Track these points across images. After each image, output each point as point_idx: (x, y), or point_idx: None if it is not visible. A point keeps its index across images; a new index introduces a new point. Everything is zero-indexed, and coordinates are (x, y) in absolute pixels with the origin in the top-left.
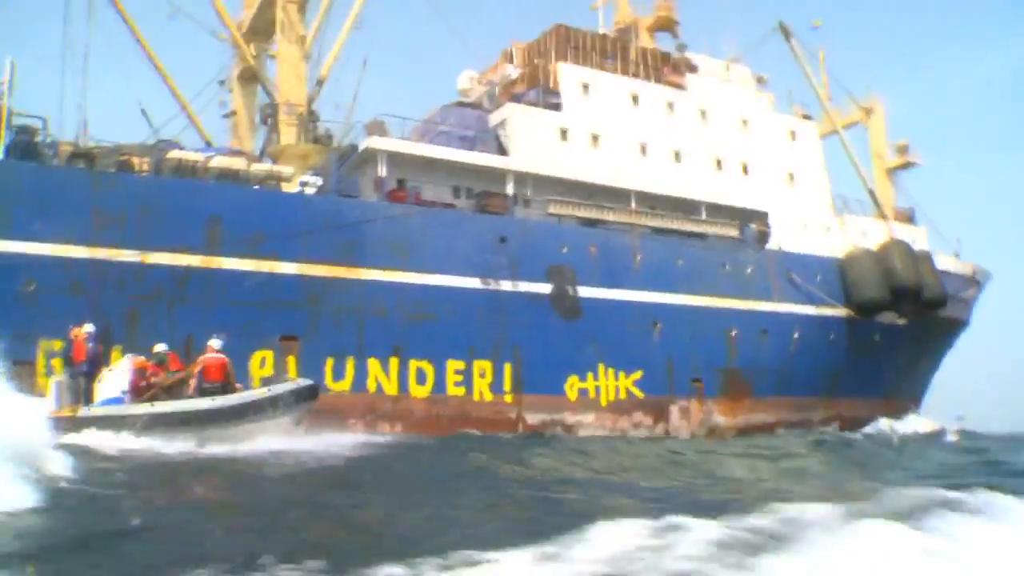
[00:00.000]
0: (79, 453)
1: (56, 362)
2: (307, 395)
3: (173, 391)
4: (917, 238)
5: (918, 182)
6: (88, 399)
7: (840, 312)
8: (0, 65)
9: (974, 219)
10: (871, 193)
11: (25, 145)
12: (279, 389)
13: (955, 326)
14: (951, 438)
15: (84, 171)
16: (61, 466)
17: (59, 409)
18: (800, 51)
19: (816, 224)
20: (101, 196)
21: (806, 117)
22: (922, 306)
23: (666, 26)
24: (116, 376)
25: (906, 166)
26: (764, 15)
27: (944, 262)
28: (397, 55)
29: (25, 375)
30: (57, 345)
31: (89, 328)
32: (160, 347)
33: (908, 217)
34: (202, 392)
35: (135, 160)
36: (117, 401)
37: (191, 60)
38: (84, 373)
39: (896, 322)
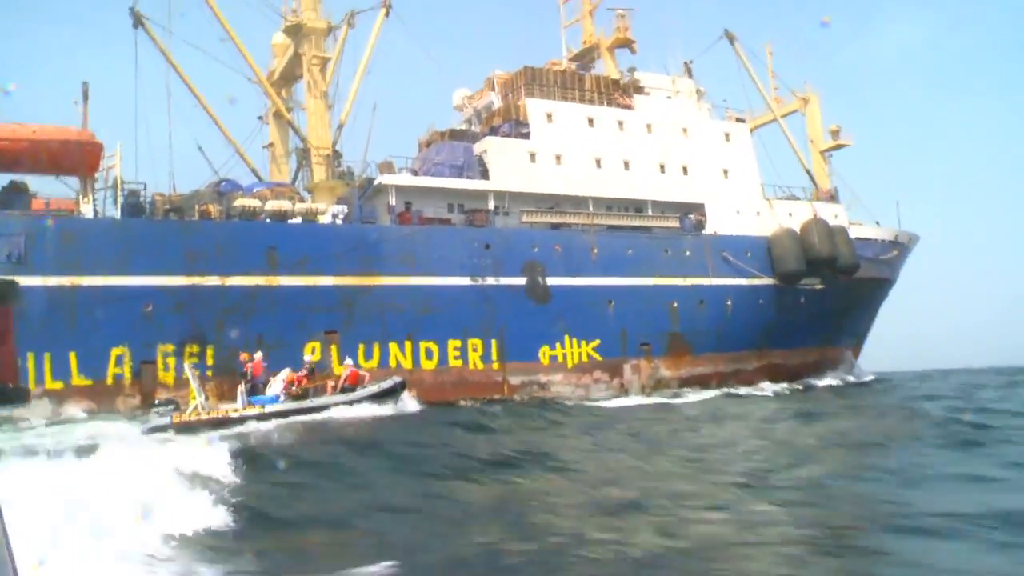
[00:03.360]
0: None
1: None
2: (400, 388)
3: (315, 391)
4: (839, 213)
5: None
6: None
7: (767, 282)
8: (112, 147)
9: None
10: (808, 173)
11: (133, 205)
12: (385, 385)
13: (879, 284)
14: None
15: (177, 222)
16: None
17: (243, 407)
18: (743, 53)
19: (747, 210)
20: (190, 239)
21: (739, 120)
22: (837, 272)
23: (624, 44)
24: (277, 384)
25: (838, 147)
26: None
27: (865, 231)
28: (399, 82)
29: (150, 371)
30: (170, 348)
31: (259, 355)
32: (308, 358)
33: (832, 195)
34: (341, 390)
35: (211, 208)
36: (273, 400)
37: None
38: (261, 383)
39: (815, 287)
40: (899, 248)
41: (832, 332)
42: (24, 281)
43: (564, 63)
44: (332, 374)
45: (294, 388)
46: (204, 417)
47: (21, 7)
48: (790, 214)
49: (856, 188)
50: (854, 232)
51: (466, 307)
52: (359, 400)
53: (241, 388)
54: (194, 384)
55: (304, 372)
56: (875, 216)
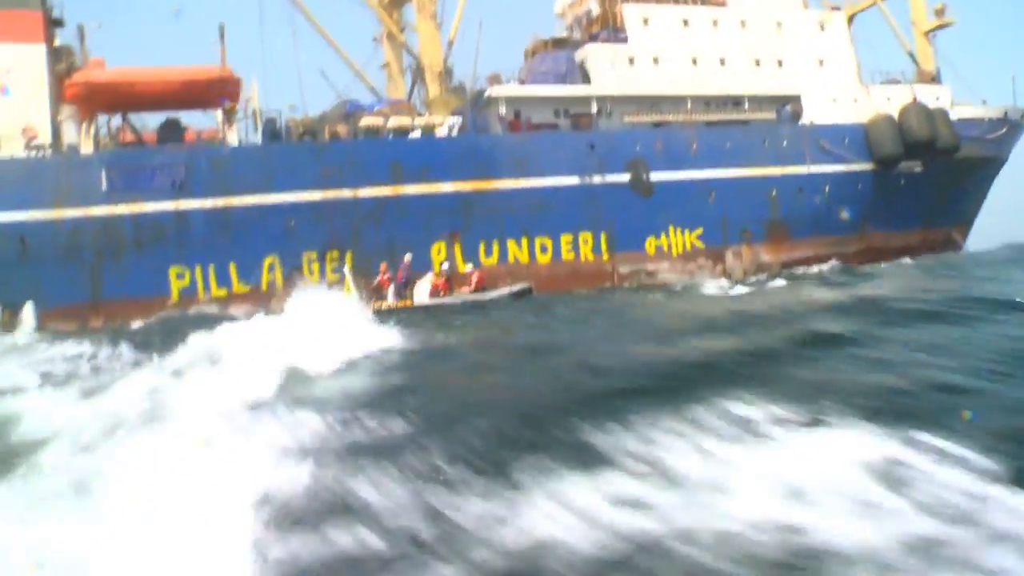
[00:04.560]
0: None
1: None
2: (527, 292)
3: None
4: (941, 95)
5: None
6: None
7: (866, 167)
8: (249, 81)
9: None
10: (911, 56)
11: (272, 131)
12: (515, 289)
13: (985, 163)
14: None
15: (311, 144)
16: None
17: (395, 302)
18: None
19: (844, 98)
20: (324, 157)
21: (835, 8)
22: (937, 153)
23: None
24: (423, 285)
25: (941, 27)
26: None
27: (969, 111)
28: None
29: (298, 274)
30: (314, 255)
31: (408, 257)
32: (444, 265)
33: (933, 77)
34: (474, 291)
35: (339, 128)
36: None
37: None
38: (405, 284)
39: (914, 169)
40: (1008, 125)
41: (935, 213)
42: (186, 205)
43: None
44: (457, 272)
45: (437, 289)
46: None
47: None
48: (888, 99)
49: (966, 68)
50: (958, 113)
51: (576, 204)
52: (494, 299)
53: (391, 288)
54: (350, 280)
55: (444, 278)
56: (984, 95)
